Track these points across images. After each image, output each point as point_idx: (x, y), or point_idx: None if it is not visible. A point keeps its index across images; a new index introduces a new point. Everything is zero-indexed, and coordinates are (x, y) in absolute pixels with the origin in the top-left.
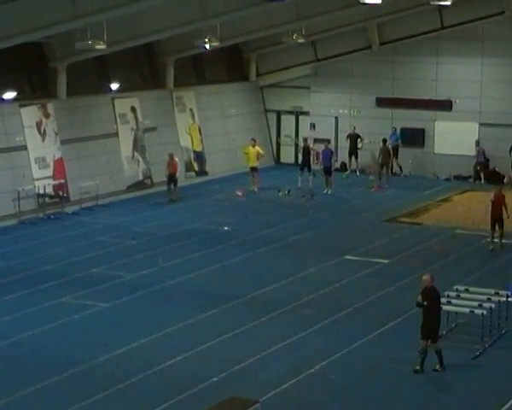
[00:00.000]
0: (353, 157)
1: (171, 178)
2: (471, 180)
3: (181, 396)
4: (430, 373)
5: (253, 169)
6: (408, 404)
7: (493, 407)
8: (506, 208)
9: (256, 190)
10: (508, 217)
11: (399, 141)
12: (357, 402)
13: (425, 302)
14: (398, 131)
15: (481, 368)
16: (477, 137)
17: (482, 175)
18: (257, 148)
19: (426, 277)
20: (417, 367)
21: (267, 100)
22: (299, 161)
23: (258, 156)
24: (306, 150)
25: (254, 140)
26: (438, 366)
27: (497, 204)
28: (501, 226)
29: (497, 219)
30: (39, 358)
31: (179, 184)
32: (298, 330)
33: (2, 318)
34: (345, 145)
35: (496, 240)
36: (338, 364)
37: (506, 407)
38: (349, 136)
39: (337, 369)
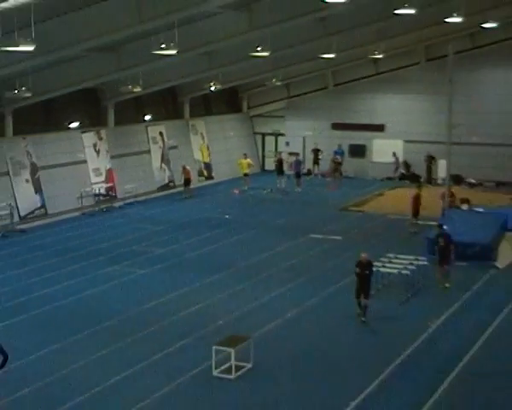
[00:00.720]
0: (316, 165)
1: (187, 182)
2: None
3: (196, 334)
4: (369, 317)
5: (245, 175)
6: (346, 341)
7: (409, 343)
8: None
9: (247, 188)
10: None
11: (342, 154)
12: (314, 335)
13: (357, 269)
14: (347, 147)
15: (406, 311)
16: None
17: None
18: (248, 160)
19: (363, 254)
20: (358, 311)
21: (255, 125)
22: (276, 168)
23: (249, 166)
24: (280, 161)
25: (245, 154)
26: (363, 318)
27: (417, 198)
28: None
29: (416, 209)
30: (93, 310)
31: (193, 186)
32: (279, 287)
33: (68, 282)
34: (310, 157)
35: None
36: (307, 310)
37: (420, 340)
38: (313, 150)
39: (306, 314)
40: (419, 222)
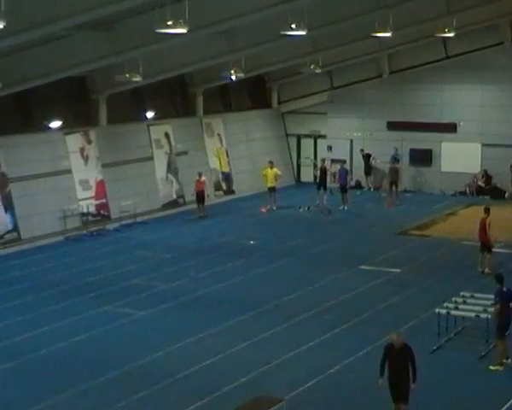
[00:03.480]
0: (367, 176)
1: (200, 197)
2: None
3: (212, 396)
4: (442, 373)
5: (271, 189)
6: (417, 400)
7: (499, 405)
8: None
9: (274, 208)
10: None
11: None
12: (373, 399)
13: (388, 360)
14: (407, 153)
15: (487, 367)
16: (480, 159)
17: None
18: (275, 169)
19: (397, 336)
20: None
21: (288, 125)
22: (318, 180)
23: (276, 177)
24: (323, 170)
25: (272, 162)
26: None
27: (480, 229)
28: (489, 252)
29: (481, 243)
30: (84, 361)
31: (209, 203)
32: (318, 334)
33: (50, 325)
34: (359, 165)
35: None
36: (356, 364)
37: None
38: (364, 156)
39: (355, 369)
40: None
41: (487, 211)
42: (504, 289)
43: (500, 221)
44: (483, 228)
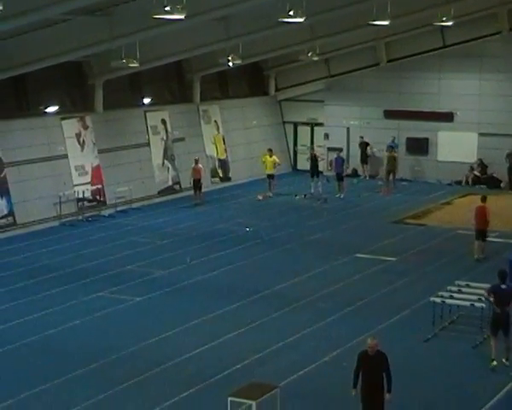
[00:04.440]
0: (364, 164)
1: (197, 184)
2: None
3: (207, 382)
4: (436, 362)
5: (270, 176)
6: (411, 388)
7: (493, 393)
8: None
9: (271, 195)
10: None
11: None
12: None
13: (361, 367)
14: (404, 141)
15: (482, 356)
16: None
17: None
18: (274, 157)
19: (371, 340)
20: None
21: (285, 112)
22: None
23: (275, 164)
24: (314, 158)
25: (271, 150)
26: None
27: (480, 217)
28: (484, 239)
29: (480, 231)
30: (77, 348)
31: (205, 189)
32: (313, 321)
33: (44, 311)
34: (356, 153)
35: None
36: (350, 352)
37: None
38: (360, 144)
39: (349, 357)
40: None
41: (484, 199)
42: (503, 286)
43: (496, 211)
44: (482, 216)
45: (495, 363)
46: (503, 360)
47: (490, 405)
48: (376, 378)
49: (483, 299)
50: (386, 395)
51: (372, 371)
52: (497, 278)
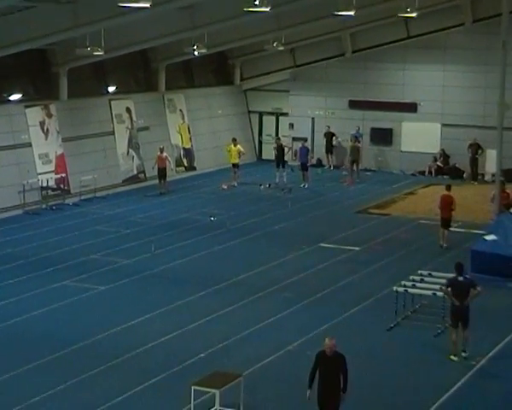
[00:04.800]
0: (329, 154)
1: (162, 173)
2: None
3: (171, 370)
4: (397, 350)
5: (235, 166)
6: (375, 375)
7: (453, 382)
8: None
9: (236, 184)
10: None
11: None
12: None
13: (319, 367)
14: (368, 132)
15: (443, 345)
16: (439, 139)
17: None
18: (238, 146)
19: (329, 340)
20: None
21: (250, 102)
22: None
23: (240, 154)
24: (280, 148)
25: (235, 139)
26: None
27: (446, 206)
28: (447, 228)
29: (445, 219)
30: (42, 336)
31: (169, 179)
32: (277, 311)
33: (8, 299)
34: (320, 143)
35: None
36: (313, 341)
37: (464, 379)
38: (325, 134)
39: (312, 346)
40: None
41: (449, 188)
42: (460, 278)
43: (459, 201)
44: (447, 204)
45: (456, 358)
46: (462, 353)
47: (449, 394)
48: (333, 380)
49: (441, 293)
50: (342, 395)
51: (329, 372)
52: (454, 271)
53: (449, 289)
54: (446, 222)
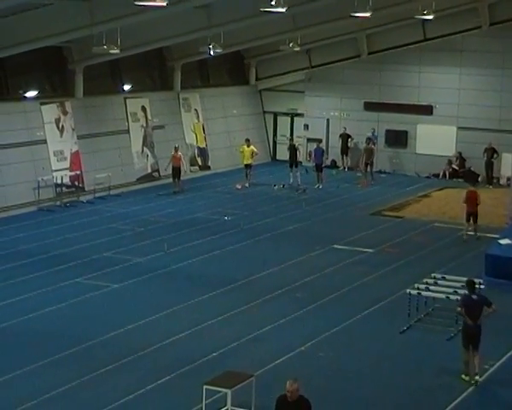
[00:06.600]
0: (344, 156)
1: (176, 172)
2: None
3: (183, 369)
4: (410, 353)
5: (248, 166)
6: (387, 378)
7: (464, 387)
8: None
9: (247, 185)
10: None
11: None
12: (341, 376)
13: None
14: (383, 134)
15: (455, 349)
16: (455, 142)
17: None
18: (251, 147)
19: (291, 384)
20: None
21: (265, 102)
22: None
23: (253, 154)
24: (292, 149)
25: (248, 140)
26: None
27: (471, 201)
28: (475, 221)
29: (471, 213)
30: (55, 333)
31: (184, 177)
32: (290, 311)
33: (20, 296)
34: (335, 144)
35: (470, 233)
36: (326, 342)
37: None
38: (341, 136)
39: (325, 347)
40: (478, 234)
41: (474, 185)
42: (474, 296)
43: None
44: (473, 199)
45: (467, 379)
46: (475, 377)
47: (462, 397)
48: None
49: (458, 292)
50: None
51: None
52: (466, 289)
53: (462, 309)
54: (472, 215)
